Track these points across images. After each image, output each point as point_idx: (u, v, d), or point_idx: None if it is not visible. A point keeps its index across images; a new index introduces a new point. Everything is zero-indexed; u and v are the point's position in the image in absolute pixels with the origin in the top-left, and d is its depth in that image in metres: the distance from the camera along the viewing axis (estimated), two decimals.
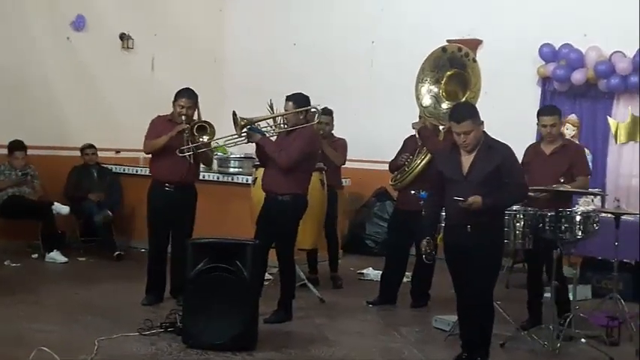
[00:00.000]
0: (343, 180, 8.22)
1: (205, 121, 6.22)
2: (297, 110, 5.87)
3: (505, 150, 4.82)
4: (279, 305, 5.94)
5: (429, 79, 6.20)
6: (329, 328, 5.92)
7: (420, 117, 6.47)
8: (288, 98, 5.94)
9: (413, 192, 6.29)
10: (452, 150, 4.92)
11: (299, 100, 5.90)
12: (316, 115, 5.99)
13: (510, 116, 8.48)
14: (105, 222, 8.33)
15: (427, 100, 6.21)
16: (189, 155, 6.09)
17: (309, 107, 5.93)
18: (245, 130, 5.84)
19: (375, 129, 9.41)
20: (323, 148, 7.06)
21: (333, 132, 7.49)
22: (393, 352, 5.39)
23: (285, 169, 5.75)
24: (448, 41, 7.84)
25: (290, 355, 5.19)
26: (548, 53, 8.65)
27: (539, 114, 6.04)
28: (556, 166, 5.82)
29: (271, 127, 6.16)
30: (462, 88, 6.12)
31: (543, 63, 8.72)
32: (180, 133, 6.11)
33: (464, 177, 4.79)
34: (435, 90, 6.19)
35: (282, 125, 6.11)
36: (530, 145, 6.13)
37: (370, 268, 8.01)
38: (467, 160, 4.81)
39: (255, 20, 10.76)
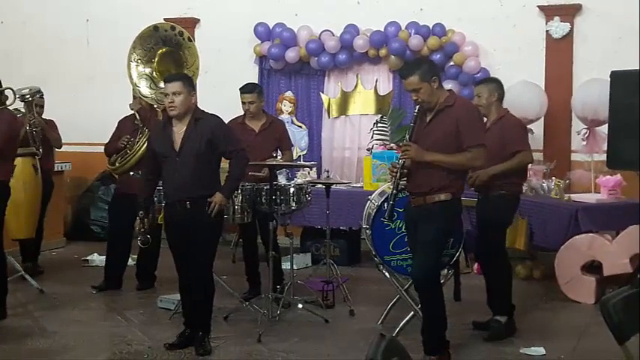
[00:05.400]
0: (64, 164, 7.83)
1: None
2: None
3: (214, 120, 4.88)
4: None
5: (140, 58, 6.08)
6: (49, 319, 5.66)
7: (135, 97, 6.36)
8: None
9: (132, 173, 6.22)
10: (165, 126, 4.90)
11: None
12: (11, 96, 5.64)
13: (231, 95, 8.57)
14: None
15: (145, 89, 6.10)
16: None
17: (2, 88, 5.56)
18: None
19: (95, 110, 9.10)
20: (45, 132, 6.79)
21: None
22: (116, 336, 5.29)
23: None
24: (165, 20, 7.77)
25: (3, 351, 4.89)
26: (263, 32, 8.87)
27: (240, 91, 6.19)
28: (266, 142, 6.07)
29: None
30: (177, 67, 6.06)
31: (259, 42, 8.94)
32: None
33: (176, 153, 4.79)
34: (148, 70, 6.10)
35: None
36: (234, 120, 6.11)
37: (95, 254, 7.74)
38: (178, 137, 4.80)
39: None
